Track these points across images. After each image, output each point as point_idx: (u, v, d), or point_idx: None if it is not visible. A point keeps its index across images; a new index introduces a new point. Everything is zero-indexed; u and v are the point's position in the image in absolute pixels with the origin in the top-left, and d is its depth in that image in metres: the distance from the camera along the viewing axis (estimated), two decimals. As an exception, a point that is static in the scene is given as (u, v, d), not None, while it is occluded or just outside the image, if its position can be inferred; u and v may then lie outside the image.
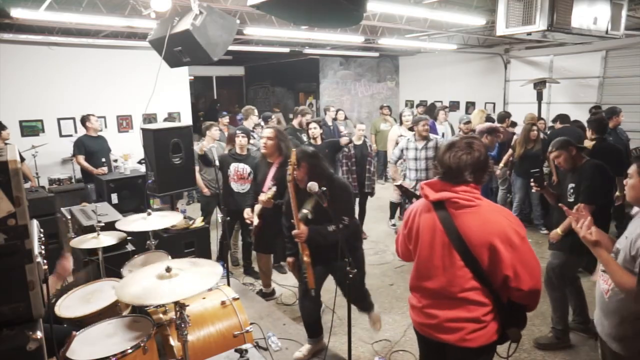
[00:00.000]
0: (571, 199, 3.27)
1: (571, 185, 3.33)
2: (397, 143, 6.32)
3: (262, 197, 3.78)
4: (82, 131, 6.36)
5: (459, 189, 1.91)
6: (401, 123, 6.68)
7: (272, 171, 3.88)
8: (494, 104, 10.51)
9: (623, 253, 1.96)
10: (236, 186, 4.57)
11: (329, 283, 3.26)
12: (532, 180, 3.49)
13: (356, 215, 4.39)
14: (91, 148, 5.96)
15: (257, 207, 3.93)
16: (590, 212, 2.92)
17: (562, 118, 6.48)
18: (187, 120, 8.95)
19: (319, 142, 5.27)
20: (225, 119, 7.42)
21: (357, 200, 6.02)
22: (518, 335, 1.98)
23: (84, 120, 6.08)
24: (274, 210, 3.80)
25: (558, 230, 3.36)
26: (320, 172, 2.93)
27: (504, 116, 7.20)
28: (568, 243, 3.26)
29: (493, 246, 1.81)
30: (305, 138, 5.96)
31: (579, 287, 3.53)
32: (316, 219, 2.93)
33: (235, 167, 4.57)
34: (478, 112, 7.65)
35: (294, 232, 2.90)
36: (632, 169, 2.04)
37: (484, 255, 1.84)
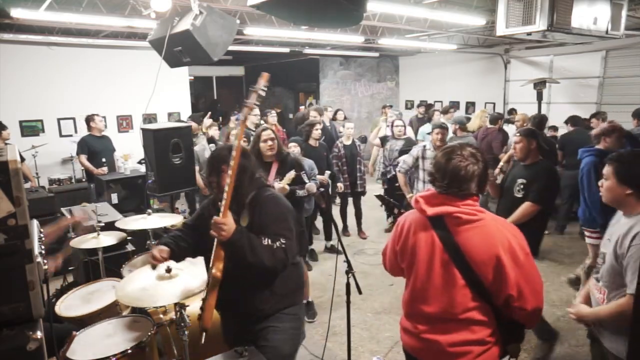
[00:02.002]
0: (519, 195, 3.25)
1: (521, 180, 3.27)
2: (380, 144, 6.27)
3: (278, 185, 3.69)
4: (84, 131, 6.37)
5: (461, 203, 1.76)
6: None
7: (274, 169, 3.87)
8: (494, 104, 10.51)
9: (610, 256, 1.95)
10: None
11: (329, 282, 3.25)
12: None
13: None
14: (95, 148, 5.98)
15: None
16: (534, 212, 3.15)
17: (574, 120, 6.34)
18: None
19: (317, 144, 5.26)
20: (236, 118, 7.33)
21: (351, 200, 6.02)
22: (517, 349, 1.89)
23: (89, 120, 6.11)
24: None
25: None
26: (250, 179, 2.16)
27: (497, 117, 7.02)
28: None
29: (498, 262, 1.68)
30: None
31: None
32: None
33: None
34: (480, 113, 7.62)
35: (216, 218, 1.93)
36: (607, 171, 1.99)
37: (488, 272, 1.70)
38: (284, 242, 2.06)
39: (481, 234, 1.72)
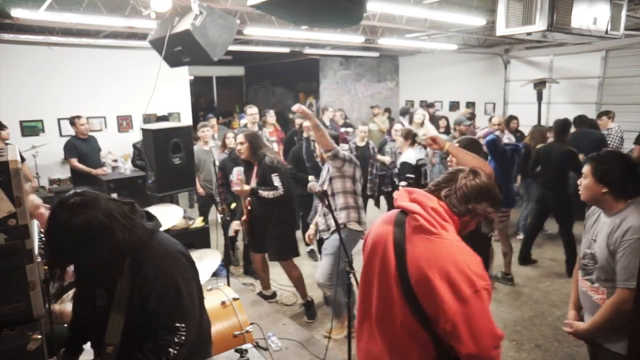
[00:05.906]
0: None
1: None
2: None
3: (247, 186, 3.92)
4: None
5: (430, 206, 1.52)
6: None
7: (256, 170, 4.02)
8: (494, 104, 10.51)
9: (602, 253, 1.97)
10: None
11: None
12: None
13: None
14: (82, 150, 5.84)
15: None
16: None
17: (579, 120, 6.17)
18: (187, 120, 8.95)
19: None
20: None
21: None
22: None
23: (72, 121, 5.92)
24: (261, 207, 3.93)
25: None
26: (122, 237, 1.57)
27: (470, 118, 7.09)
28: None
29: (431, 283, 1.41)
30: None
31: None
32: None
33: (238, 172, 4.50)
34: (464, 112, 7.66)
35: None
36: (586, 169, 2.06)
37: (423, 293, 1.44)
38: (181, 331, 1.62)
39: (428, 248, 1.47)
